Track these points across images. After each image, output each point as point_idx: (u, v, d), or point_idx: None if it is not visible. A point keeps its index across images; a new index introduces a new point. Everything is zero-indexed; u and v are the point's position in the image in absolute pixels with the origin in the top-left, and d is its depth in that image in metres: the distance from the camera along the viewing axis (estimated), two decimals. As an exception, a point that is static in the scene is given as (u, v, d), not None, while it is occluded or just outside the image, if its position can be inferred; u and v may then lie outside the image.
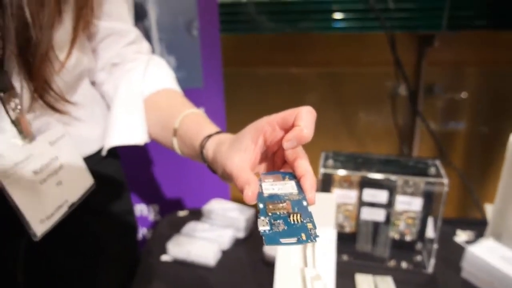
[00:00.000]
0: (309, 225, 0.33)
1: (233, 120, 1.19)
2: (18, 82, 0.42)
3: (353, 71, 1.36)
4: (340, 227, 0.77)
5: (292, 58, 1.39)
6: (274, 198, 0.37)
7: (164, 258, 0.76)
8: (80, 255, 0.58)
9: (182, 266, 0.74)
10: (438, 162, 0.72)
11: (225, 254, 0.77)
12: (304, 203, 0.36)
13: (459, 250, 0.78)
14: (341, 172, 0.72)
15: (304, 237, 0.32)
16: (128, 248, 0.70)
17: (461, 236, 0.83)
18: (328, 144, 1.36)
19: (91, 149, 0.55)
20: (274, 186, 0.39)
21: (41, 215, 0.45)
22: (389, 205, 0.74)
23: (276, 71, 1.39)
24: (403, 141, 1.37)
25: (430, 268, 0.72)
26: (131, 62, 0.58)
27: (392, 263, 0.76)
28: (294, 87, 1.40)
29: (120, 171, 0.66)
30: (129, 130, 0.55)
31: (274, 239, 0.32)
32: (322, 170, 0.71)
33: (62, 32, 0.45)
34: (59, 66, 0.45)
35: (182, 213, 0.92)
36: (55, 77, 0.46)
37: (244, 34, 1.31)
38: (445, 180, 0.66)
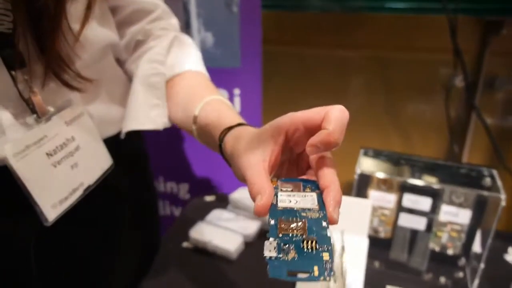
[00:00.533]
0: (325, 256, 0.28)
1: (269, 103, 1.13)
2: (29, 58, 0.39)
3: (404, 57, 1.25)
4: (374, 231, 0.71)
5: (338, 40, 1.29)
6: (289, 214, 0.32)
7: (185, 245, 0.74)
8: (96, 237, 0.56)
9: (202, 255, 0.71)
10: (495, 172, 0.63)
11: (249, 247, 0.74)
12: (324, 223, 0.31)
13: (510, 271, 0.69)
14: (380, 175, 0.65)
15: (316, 273, 0.27)
16: (148, 231, 0.68)
17: (513, 254, 0.74)
18: (370, 136, 1.27)
19: (111, 131, 0.52)
20: (292, 198, 0.33)
21: (53, 199, 0.42)
22: (431, 213, 0.67)
23: (319, 53, 1.31)
24: (454, 138, 1.25)
25: (473, 289, 0.65)
26: (155, 40, 0.53)
27: (428, 276, 0.69)
28: (337, 70, 1.31)
29: (143, 151, 0.63)
30: (148, 114, 0.51)
31: (280, 271, 0.27)
32: (358, 170, 0.64)
33: (78, 3, 0.41)
34: (73, 39, 0.41)
35: (208, 198, 0.89)
36: (72, 52, 0.42)
37: (287, 11, 1.23)
38: (502, 196, 0.58)
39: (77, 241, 0.53)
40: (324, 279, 0.26)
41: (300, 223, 0.30)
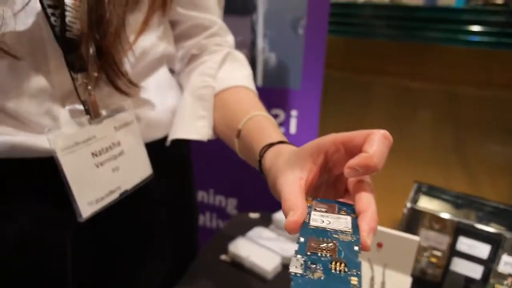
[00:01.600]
0: (353, 280, 0.26)
1: (326, 127, 1.12)
2: (88, 63, 0.42)
3: (477, 93, 1.17)
4: (421, 273, 0.66)
5: (406, 70, 1.25)
6: (321, 233, 0.31)
7: (223, 257, 0.74)
8: (130, 238, 0.57)
9: (238, 270, 0.71)
10: None
11: (286, 269, 0.72)
12: (356, 248, 0.29)
13: None
14: (433, 212, 0.60)
15: None
16: (183, 239, 0.69)
17: None
18: (431, 173, 1.19)
19: (157, 135, 0.55)
20: (325, 218, 0.32)
21: (90, 197, 0.45)
22: (489, 261, 0.60)
23: (384, 81, 1.27)
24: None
25: None
26: (209, 55, 0.56)
27: (481, 332, 0.62)
28: (402, 101, 1.26)
29: (187, 159, 0.65)
30: (194, 124, 0.53)
31: None
32: (409, 204, 0.61)
33: (138, 14, 0.45)
34: (128, 48, 0.45)
35: (253, 215, 0.89)
36: (127, 60, 0.45)
37: (354, 37, 1.22)
38: None
39: (112, 240, 0.56)
40: None
41: (330, 244, 0.29)
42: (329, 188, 0.39)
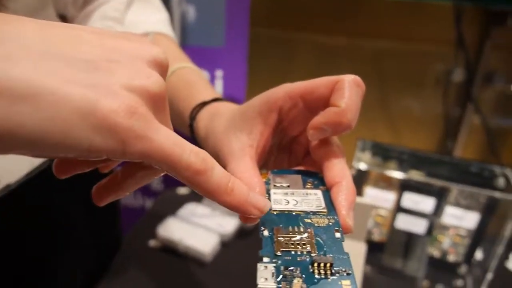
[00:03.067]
0: (346, 285, 0.19)
1: (254, 87, 1.04)
2: None
3: (399, 47, 1.17)
4: (368, 234, 0.63)
5: (330, 25, 1.20)
6: (289, 220, 0.23)
7: (152, 243, 0.64)
8: (39, 229, 0.46)
9: (171, 256, 0.62)
10: (509, 172, 0.56)
11: (226, 248, 0.65)
12: (337, 234, 0.22)
13: (513, 281, 0.63)
14: (380, 169, 0.57)
15: None
16: (104, 225, 0.58)
17: (516, 262, 0.67)
18: (358, 130, 1.19)
19: None
20: (290, 197, 0.24)
21: None
22: (434, 215, 0.59)
23: (310, 38, 1.22)
24: (448, 134, 1.19)
25: (476, 302, 0.58)
26: None
27: (425, 284, 0.62)
28: (328, 58, 1.23)
29: None
30: None
31: None
32: (356, 164, 0.56)
33: None
34: None
35: (182, 191, 0.80)
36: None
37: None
38: (521, 198, 0.50)
39: (19, 233, 0.43)
40: None
41: (305, 235, 0.22)
42: (283, 152, 0.31)
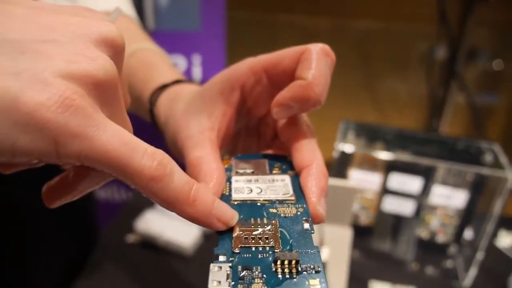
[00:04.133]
0: (314, 285, 0.16)
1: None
2: None
3: (383, 27, 1.15)
4: (353, 217, 0.61)
5: (311, 6, 1.17)
6: (250, 211, 0.20)
7: (130, 239, 0.61)
8: (6, 227, 0.43)
9: (151, 251, 0.59)
10: (497, 147, 0.54)
11: (208, 240, 0.62)
12: (306, 224, 0.19)
13: (502, 259, 0.62)
14: (365, 150, 0.54)
15: None
16: (78, 220, 0.55)
17: (506, 240, 0.66)
18: (343, 112, 1.17)
19: None
20: (253, 185, 0.22)
21: None
22: (421, 196, 0.57)
23: (292, 20, 1.18)
24: (433, 112, 1.17)
25: (467, 281, 0.56)
26: None
27: (414, 266, 0.60)
28: (311, 40, 1.19)
29: None
30: None
31: None
32: (340, 146, 0.53)
33: None
34: None
35: (162, 182, 0.76)
36: None
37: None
38: (510, 174, 0.48)
39: None
40: None
41: (268, 227, 0.19)
42: (251, 135, 0.28)
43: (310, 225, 0.19)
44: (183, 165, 0.23)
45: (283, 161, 0.24)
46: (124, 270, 0.56)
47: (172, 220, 0.62)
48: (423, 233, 0.60)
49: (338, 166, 0.55)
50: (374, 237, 0.62)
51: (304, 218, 0.19)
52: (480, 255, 0.53)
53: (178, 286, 0.54)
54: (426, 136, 0.57)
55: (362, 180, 0.58)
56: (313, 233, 0.19)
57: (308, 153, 0.22)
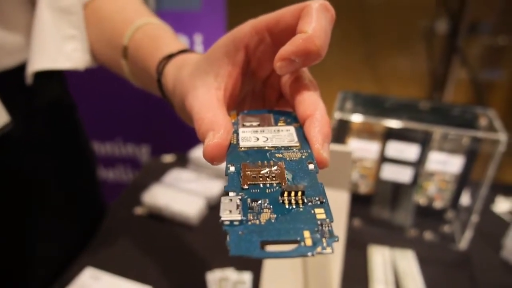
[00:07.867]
0: (319, 213, 0.18)
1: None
2: None
3: (384, 1, 1.14)
4: (353, 186, 0.63)
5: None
6: (257, 155, 0.21)
7: (138, 211, 0.63)
8: (16, 200, 0.45)
9: (158, 222, 0.62)
10: (492, 113, 0.55)
11: (212, 211, 0.64)
12: (311, 166, 0.21)
13: (499, 223, 0.63)
14: (361, 118, 0.56)
15: (308, 241, 0.16)
16: (85, 194, 0.57)
17: (502, 205, 0.68)
18: (346, 86, 1.18)
19: (7, 62, 0.39)
20: (260, 135, 0.23)
21: None
22: (418, 163, 0.59)
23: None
24: (434, 87, 1.18)
25: (463, 243, 0.58)
26: None
27: (413, 232, 0.62)
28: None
29: (64, 99, 0.51)
30: (61, 48, 0.39)
31: (248, 244, 0.16)
32: (337, 115, 0.55)
33: None
34: None
35: (167, 158, 0.79)
36: None
37: None
38: (502, 136, 0.50)
39: None
40: (321, 252, 0.16)
41: (274, 168, 0.20)
42: (256, 99, 0.29)
43: (314, 167, 0.20)
44: (193, 130, 0.25)
45: (288, 115, 0.25)
46: (132, 239, 0.58)
47: (178, 192, 0.64)
48: (421, 200, 0.62)
49: (337, 135, 0.56)
50: (373, 205, 0.64)
51: (308, 161, 0.21)
52: (475, 218, 0.55)
53: (184, 254, 0.56)
54: (421, 103, 0.58)
55: (360, 149, 0.60)
56: (317, 173, 0.20)
57: (311, 104, 0.23)
